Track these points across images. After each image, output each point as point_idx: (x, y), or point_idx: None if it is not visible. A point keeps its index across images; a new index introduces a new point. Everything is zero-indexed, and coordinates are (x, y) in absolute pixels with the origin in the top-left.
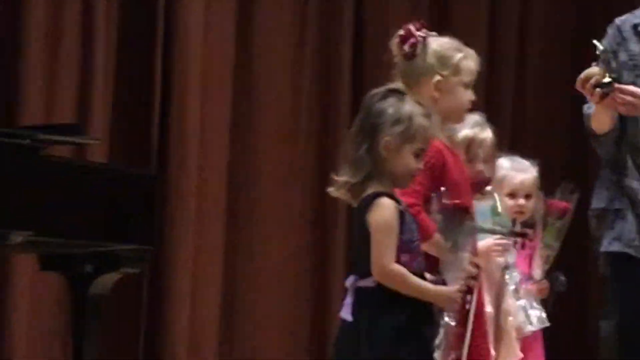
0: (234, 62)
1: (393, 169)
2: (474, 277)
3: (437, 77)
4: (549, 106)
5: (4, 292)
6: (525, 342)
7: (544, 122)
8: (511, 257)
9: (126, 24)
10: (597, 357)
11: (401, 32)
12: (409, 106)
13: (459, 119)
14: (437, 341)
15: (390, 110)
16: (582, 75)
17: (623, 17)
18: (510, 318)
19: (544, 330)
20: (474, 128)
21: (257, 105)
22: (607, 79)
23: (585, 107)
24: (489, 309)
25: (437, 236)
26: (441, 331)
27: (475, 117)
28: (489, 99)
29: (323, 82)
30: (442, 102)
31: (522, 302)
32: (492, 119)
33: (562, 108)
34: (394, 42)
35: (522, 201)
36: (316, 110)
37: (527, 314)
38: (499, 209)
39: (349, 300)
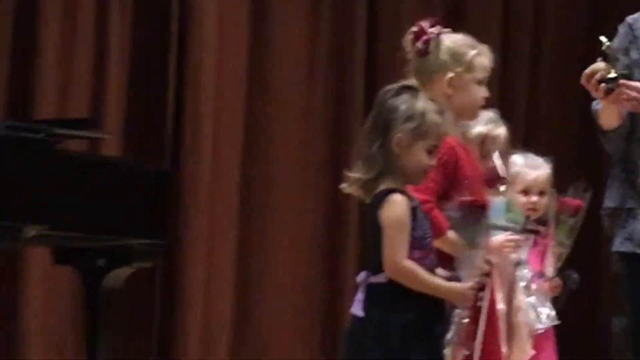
0: (248, 57)
1: (405, 166)
2: (486, 274)
3: (450, 74)
4: (562, 103)
5: (18, 285)
6: (538, 340)
7: (558, 119)
8: (523, 254)
9: (141, 19)
10: (609, 354)
11: (414, 29)
12: (421, 103)
13: (473, 115)
14: (448, 337)
15: (403, 107)
16: (587, 70)
17: (635, 15)
18: (520, 315)
19: (556, 328)
20: (488, 125)
21: (270, 102)
22: (612, 75)
23: (594, 103)
24: (501, 305)
25: (450, 233)
26: (453, 327)
27: (489, 114)
28: (502, 95)
29: (337, 79)
30: (455, 98)
31: (532, 299)
32: (506, 116)
33: (576, 105)
34: (407, 39)
35: (535, 198)
36: (330, 107)
37: (537, 312)
38: (514, 206)
39: (360, 296)
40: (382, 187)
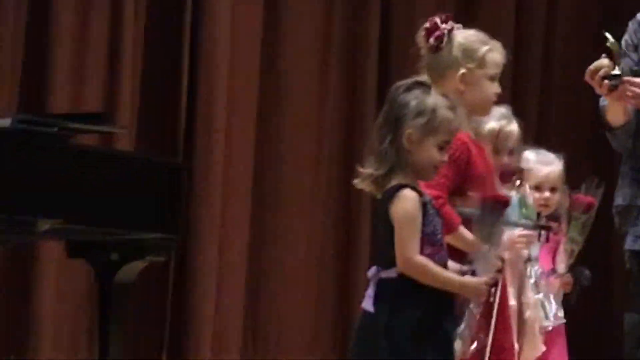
0: (261, 52)
1: (416, 161)
2: (499, 270)
3: (463, 70)
4: (575, 99)
5: (32, 279)
6: (549, 336)
7: (570, 115)
8: (534, 251)
9: (154, 14)
10: (621, 350)
11: (427, 25)
12: (432, 98)
13: (485, 111)
14: (459, 331)
15: (414, 103)
16: (592, 66)
17: None
18: (528, 312)
19: (568, 324)
20: (501, 120)
21: (283, 96)
22: (616, 71)
23: (601, 99)
24: (512, 302)
25: (462, 229)
26: (464, 321)
27: (501, 110)
28: (515, 91)
29: (350, 74)
30: (467, 95)
31: (540, 296)
32: (518, 112)
33: (588, 101)
34: (420, 35)
35: (547, 194)
36: (343, 102)
37: (545, 309)
38: (526, 202)
39: (370, 291)
40: (393, 182)
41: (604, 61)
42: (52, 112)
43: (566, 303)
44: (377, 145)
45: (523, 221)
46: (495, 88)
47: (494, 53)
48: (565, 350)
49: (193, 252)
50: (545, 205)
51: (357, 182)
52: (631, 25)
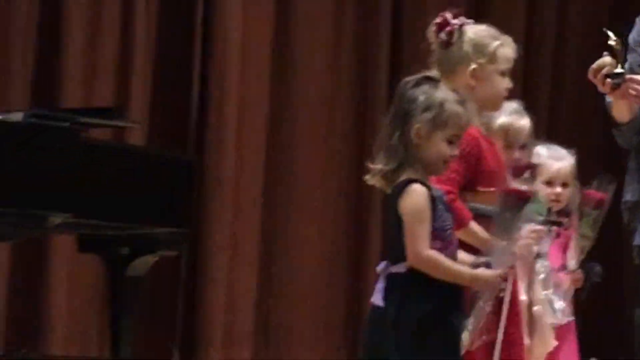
0: (272, 47)
1: (425, 156)
2: (512, 265)
3: (473, 65)
4: (586, 95)
5: (43, 273)
6: (559, 333)
7: (581, 110)
8: (544, 246)
9: (166, 9)
10: (633, 345)
11: (438, 20)
12: (441, 93)
13: (496, 106)
14: (467, 323)
15: (422, 97)
16: (594, 65)
17: None
18: (536, 307)
19: (578, 321)
20: (512, 115)
21: (294, 91)
22: (618, 70)
23: (607, 96)
24: (523, 297)
25: (473, 224)
26: (473, 314)
27: (512, 105)
28: (526, 87)
29: (361, 70)
30: (478, 90)
31: (548, 292)
32: (529, 107)
33: (600, 97)
34: (431, 30)
35: (558, 189)
36: (354, 98)
37: (552, 306)
38: (537, 197)
39: (380, 285)
40: (403, 177)
41: (606, 59)
42: (64, 107)
43: (577, 299)
44: (387, 141)
45: (534, 216)
46: (506, 83)
47: (505, 48)
48: (575, 347)
49: (204, 247)
50: (557, 201)
51: (368, 178)
52: (638, 21)
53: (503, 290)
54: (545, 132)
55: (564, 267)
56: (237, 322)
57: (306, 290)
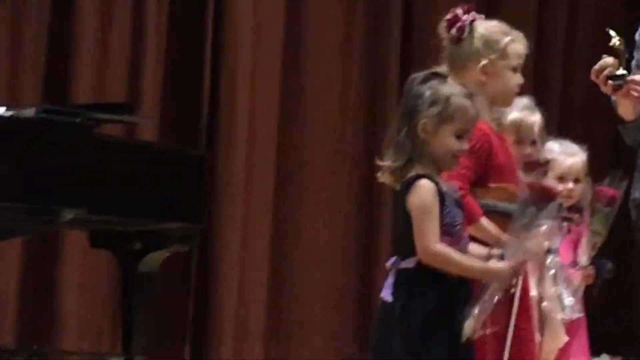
0: (284, 43)
1: (433, 151)
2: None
3: (484, 61)
4: (597, 90)
5: (55, 268)
6: (570, 329)
7: (592, 106)
8: (555, 242)
9: (177, 3)
10: None
11: (448, 15)
12: (447, 87)
13: (507, 102)
14: (473, 310)
15: (428, 93)
16: (596, 66)
17: None
18: (546, 303)
19: (589, 317)
20: (523, 111)
21: (305, 89)
22: (620, 71)
23: None
24: (534, 292)
25: (484, 220)
26: (480, 302)
27: (524, 101)
28: (537, 82)
29: (372, 66)
30: (489, 86)
31: (559, 288)
32: (540, 103)
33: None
34: (442, 26)
35: (570, 185)
36: (364, 94)
37: (562, 302)
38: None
39: (389, 281)
40: (412, 173)
41: (608, 60)
42: (75, 102)
43: (588, 296)
44: (395, 138)
45: (556, 215)
46: (517, 79)
47: (516, 44)
48: (585, 343)
49: (216, 242)
50: (568, 197)
51: (379, 176)
52: None
53: (514, 286)
54: (557, 127)
55: (574, 263)
56: (248, 318)
57: (317, 286)
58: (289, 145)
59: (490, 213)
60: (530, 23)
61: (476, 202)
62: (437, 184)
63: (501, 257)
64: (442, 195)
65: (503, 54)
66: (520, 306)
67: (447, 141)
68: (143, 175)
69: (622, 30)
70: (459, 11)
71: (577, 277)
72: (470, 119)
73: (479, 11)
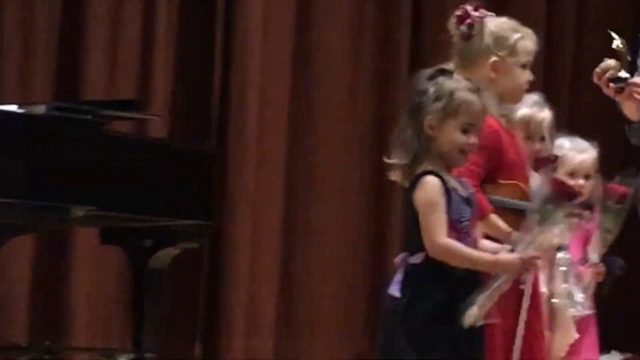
0: (294, 40)
1: (440, 147)
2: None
3: (494, 58)
4: None
5: (66, 265)
6: (580, 326)
7: (602, 103)
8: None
9: (187, 1)
10: None
11: (458, 12)
12: (452, 83)
13: (516, 99)
14: (477, 298)
15: (432, 89)
16: (598, 68)
17: None
18: (556, 299)
19: (599, 314)
20: (532, 108)
21: (316, 84)
22: (621, 74)
23: None
24: (544, 289)
25: (493, 216)
26: (487, 291)
27: (533, 97)
28: (546, 79)
29: (382, 62)
30: (499, 82)
31: (569, 284)
32: (550, 100)
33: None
34: (451, 22)
35: (581, 182)
36: (375, 89)
37: (572, 298)
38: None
39: (398, 277)
40: (419, 170)
41: (610, 62)
42: (85, 99)
43: (598, 293)
44: (401, 135)
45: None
46: (527, 76)
47: (526, 41)
48: (595, 340)
49: (226, 238)
50: (579, 193)
51: (390, 174)
52: None
53: (524, 283)
54: (567, 124)
55: (584, 260)
56: (259, 314)
57: (328, 282)
58: (299, 143)
59: (500, 209)
60: (540, 20)
61: (486, 198)
62: (443, 180)
63: (511, 252)
64: (448, 192)
65: (512, 50)
66: (530, 303)
67: (452, 136)
68: (153, 173)
69: (630, 28)
70: (469, 7)
71: (588, 274)
72: (476, 113)
73: (488, 8)
